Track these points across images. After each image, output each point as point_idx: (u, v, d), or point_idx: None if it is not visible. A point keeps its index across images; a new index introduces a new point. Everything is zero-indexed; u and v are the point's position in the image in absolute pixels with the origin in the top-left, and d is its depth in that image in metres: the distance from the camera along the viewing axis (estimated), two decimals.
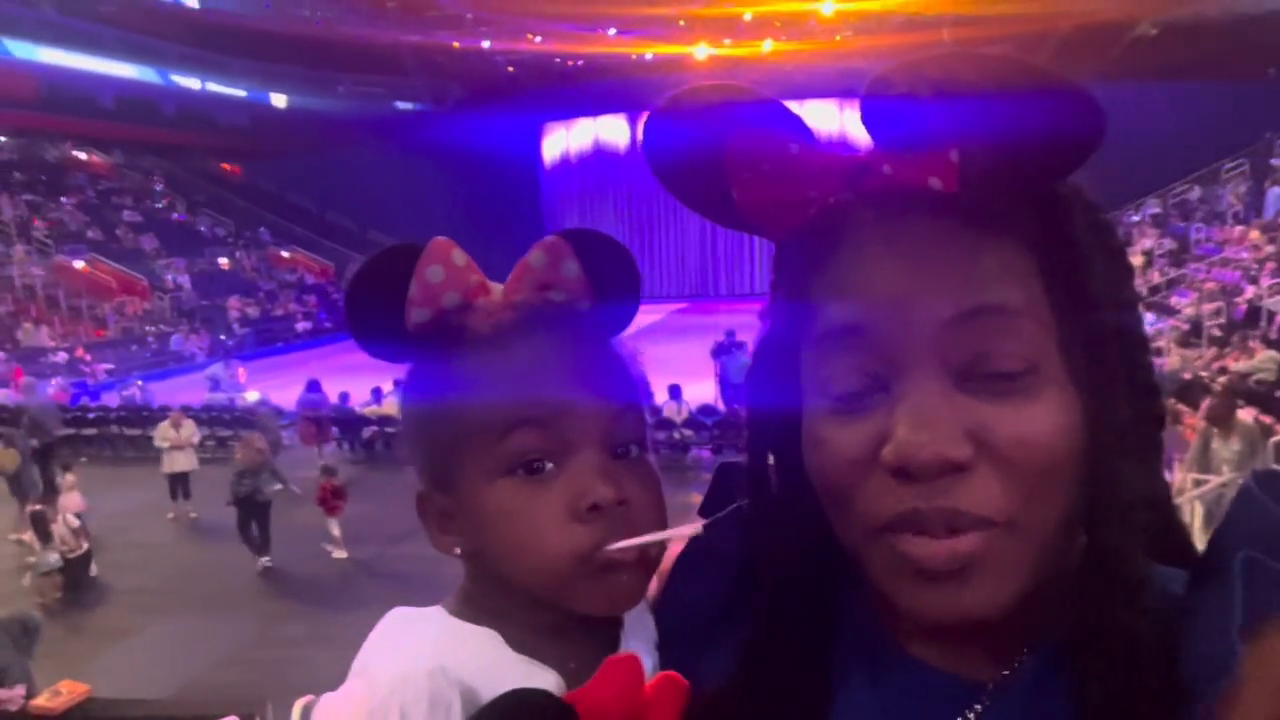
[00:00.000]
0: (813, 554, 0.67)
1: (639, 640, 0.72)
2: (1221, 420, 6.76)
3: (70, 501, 10.09)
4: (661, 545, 0.70)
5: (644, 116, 0.62)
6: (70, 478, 10.48)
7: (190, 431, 11.60)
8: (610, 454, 0.69)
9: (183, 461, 11.29)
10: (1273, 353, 11.08)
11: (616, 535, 0.66)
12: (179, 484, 11.30)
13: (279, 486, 10.08)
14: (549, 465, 0.67)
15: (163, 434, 11.41)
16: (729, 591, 0.73)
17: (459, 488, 0.69)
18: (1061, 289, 0.57)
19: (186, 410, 13.13)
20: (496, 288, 0.72)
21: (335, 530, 9.79)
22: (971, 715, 0.62)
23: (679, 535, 0.70)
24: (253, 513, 9.55)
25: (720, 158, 0.59)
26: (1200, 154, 23.39)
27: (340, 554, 9.73)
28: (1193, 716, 0.51)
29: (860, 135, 0.58)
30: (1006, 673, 0.62)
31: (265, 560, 9.49)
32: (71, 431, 14.76)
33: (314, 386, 13.84)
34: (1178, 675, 0.53)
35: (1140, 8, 26.83)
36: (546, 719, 0.62)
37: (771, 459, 0.69)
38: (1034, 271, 0.57)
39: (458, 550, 0.72)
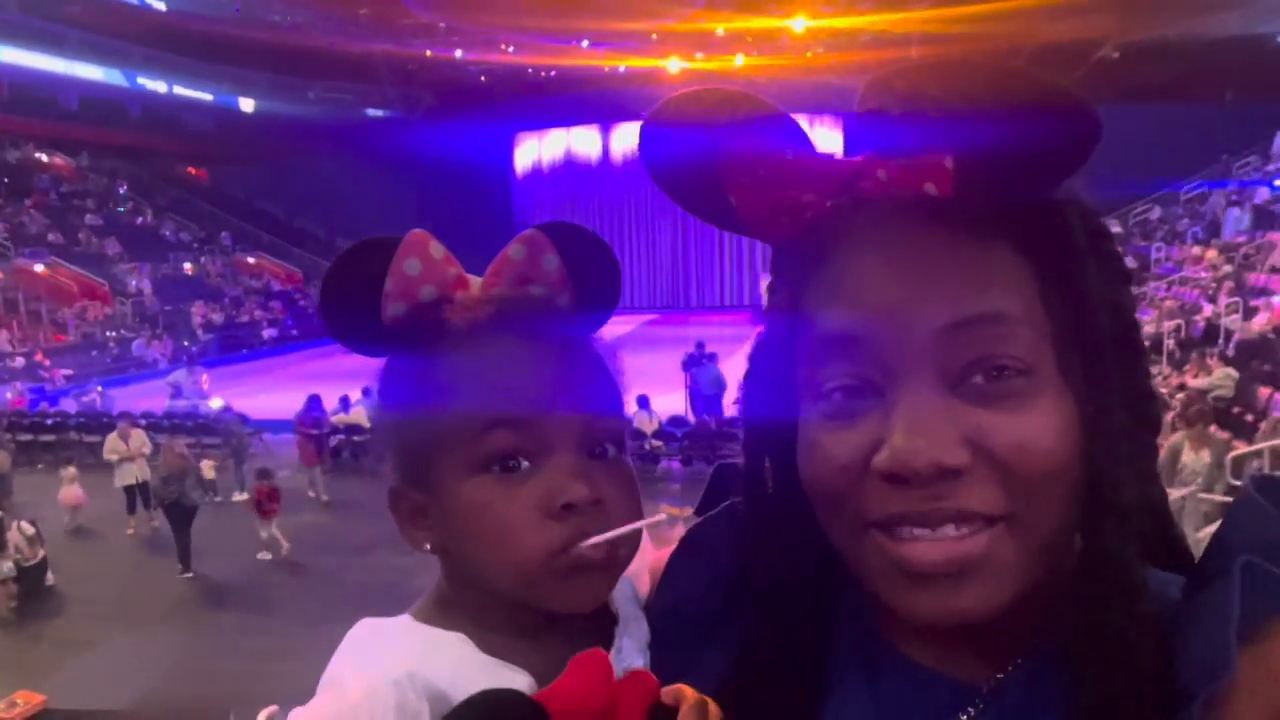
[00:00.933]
0: (808, 555, 0.67)
1: (632, 640, 0.72)
2: (1198, 428, 6.89)
3: (69, 495, 10.05)
4: (632, 545, 0.70)
5: (640, 122, 0.62)
6: (71, 470, 10.36)
7: (140, 442, 11.36)
8: (587, 454, 0.68)
9: (135, 473, 11.06)
10: (1230, 370, 11.31)
11: (589, 533, 0.66)
12: (134, 496, 11.07)
13: (213, 497, 10.06)
14: (524, 463, 0.66)
15: (111, 447, 11.15)
16: (723, 592, 0.73)
17: (433, 483, 0.68)
18: (1058, 295, 0.57)
19: (148, 417, 12.91)
20: (475, 280, 0.71)
21: (267, 533, 9.86)
22: (965, 718, 0.62)
23: (648, 525, 0.70)
24: (179, 519, 9.47)
25: (717, 162, 0.60)
26: (1161, 175, 23.90)
27: (266, 556, 9.81)
28: (1190, 718, 0.51)
29: (838, 147, 0.60)
30: (1002, 675, 0.63)
31: (188, 574, 9.45)
32: (28, 437, 14.47)
33: (315, 404, 13.10)
34: (1175, 677, 0.54)
35: (1104, 30, 27.41)
36: (515, 717, 0.61)
37: (768, 461, 0.69)
38: (1030, 277, 0.57)
39: (428, 545, 0.71)
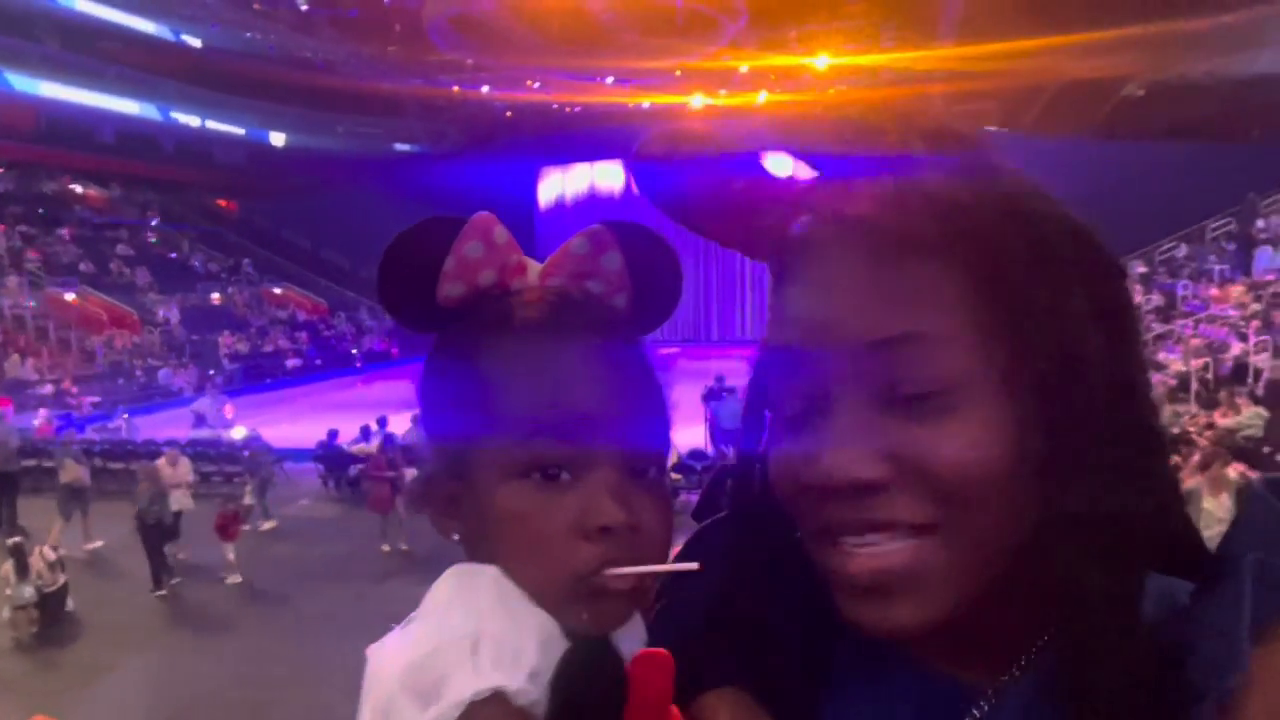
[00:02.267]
0: (795, 563, 0.67)
1: (630, 643, 0.69)
2: (1214, 470, 6.76)
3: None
4: (657, 577, 0.69)
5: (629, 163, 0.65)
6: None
7: (186, 470, 11.26)
8: (629, 473, 0.66)
9: (178, 500, 10.84)
10: (1259, 409, 11.14)
11: (620, 558, 0.64)
12: (178, 523, 10.85)
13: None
14: (565, 475, 0.64)
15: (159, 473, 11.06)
16: (720, 596, 0.72)
17: (470, 476, 0.66)
18: (993, 310, 0.58)
19: (171, 445, 13.00)
20: (534, 267, 0.70)
21: (231, 555, 9.98)
22: None
23: (677, 569, 0.67)
24: (156, 539, 9.66)
25: (687, 200, 0.65)
26: (1187, 213, 23.75)
27: (235, 579, 9.87)
28: (1201, 717, 0.51)
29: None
30: (1006, 677, 0.62)
31: (160, 591, 9.62)
32: (52, 464, 14.61)
33: (389, 439, 12.13)
34: (1184, 678, 0.53)
35: (1129, 68, 27.44)
36: (610, 680, 0.61)
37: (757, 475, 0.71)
38: (964, 293, 0.58)
39: (456, 536, 0.70)
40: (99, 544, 11.07)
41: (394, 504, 10.84)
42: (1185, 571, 0.61)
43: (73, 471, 11.46)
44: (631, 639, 0.70)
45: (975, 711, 0.62)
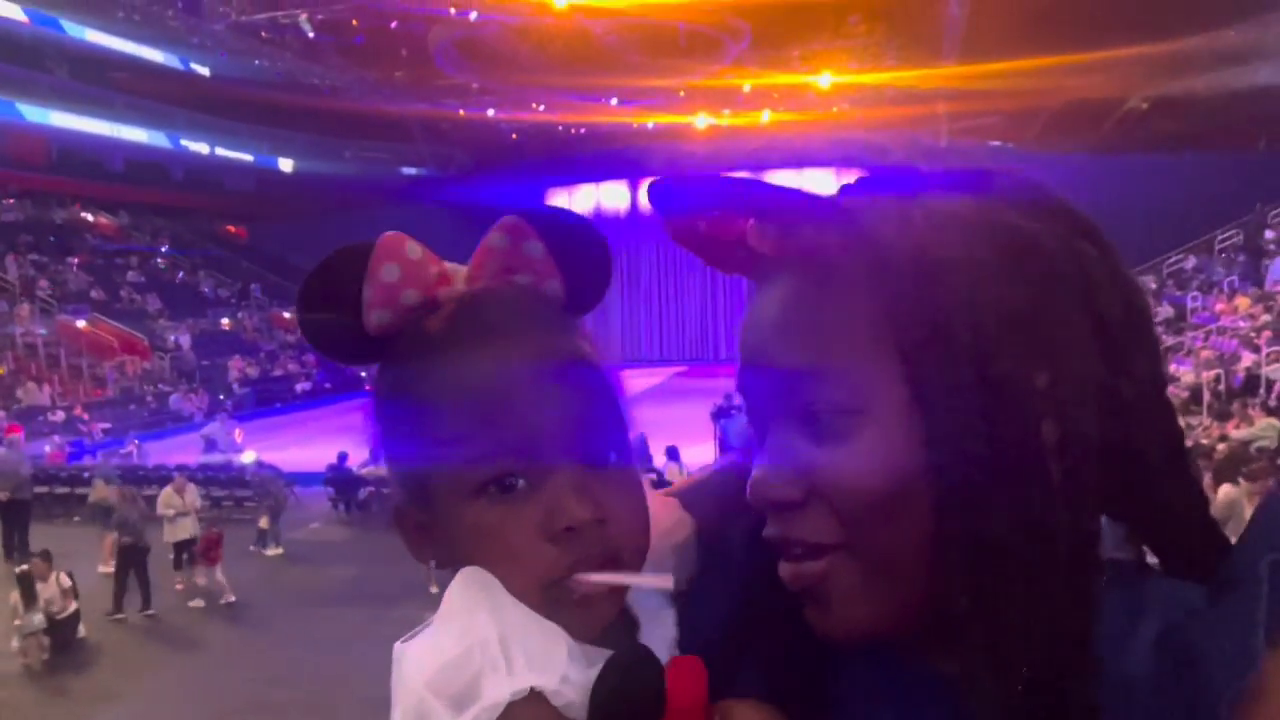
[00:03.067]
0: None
1: (657, 643, 0.68)
2: (1261, 483, 6.80)
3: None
4: (634, 569, 0.67)
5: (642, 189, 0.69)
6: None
7: (194, 497, 11.29)
8: (589, 464, 0.64)
9: (188, 528, 10.94)
10: (1273, 420, 11.06)
11: (593, 556, 0.63)
12: (183, 551, 10.91)
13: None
14: (521, 483, 0.63)
15: (166, 501, 11.01)
16: (745, 596, 0.72)
17: (432, 502, 0.65)
18: (896, 340, 0.59)
19: (182, 470, 13.05)
20: (460, 272, 0.68)
21: (218, 577, 10.11)
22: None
23: (649, 585, 0.66)
24: (133, 561, 9.70)
25: (680, 225, 0.70)
26: (1194, 225, 23.71)
27: (229, 598, 9.97)
28: (1216, 711, 0.51)
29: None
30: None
31: (119, 615, 9.66)
32: (65, 490, 14.68)
33: None
34: (1199, 678, 0.53)
35: (1131, 83, 27.48)
36: (652, 685, 0.60)
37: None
38: (873, 326, 0.60)
39: (433, 562, 0.69)
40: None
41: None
42: (1201, 575, 0.61)
43: (100, 491, 11.54)
44: (660, 637, 0.69)
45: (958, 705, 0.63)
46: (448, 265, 0.68)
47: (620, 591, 0.66)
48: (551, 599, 0.62)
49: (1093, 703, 0.56)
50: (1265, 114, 25.58)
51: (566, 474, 0.63)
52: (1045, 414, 0.58)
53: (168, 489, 11.26)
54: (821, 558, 0.62)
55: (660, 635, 0.69)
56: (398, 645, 0.62)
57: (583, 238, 0.70)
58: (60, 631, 8.75)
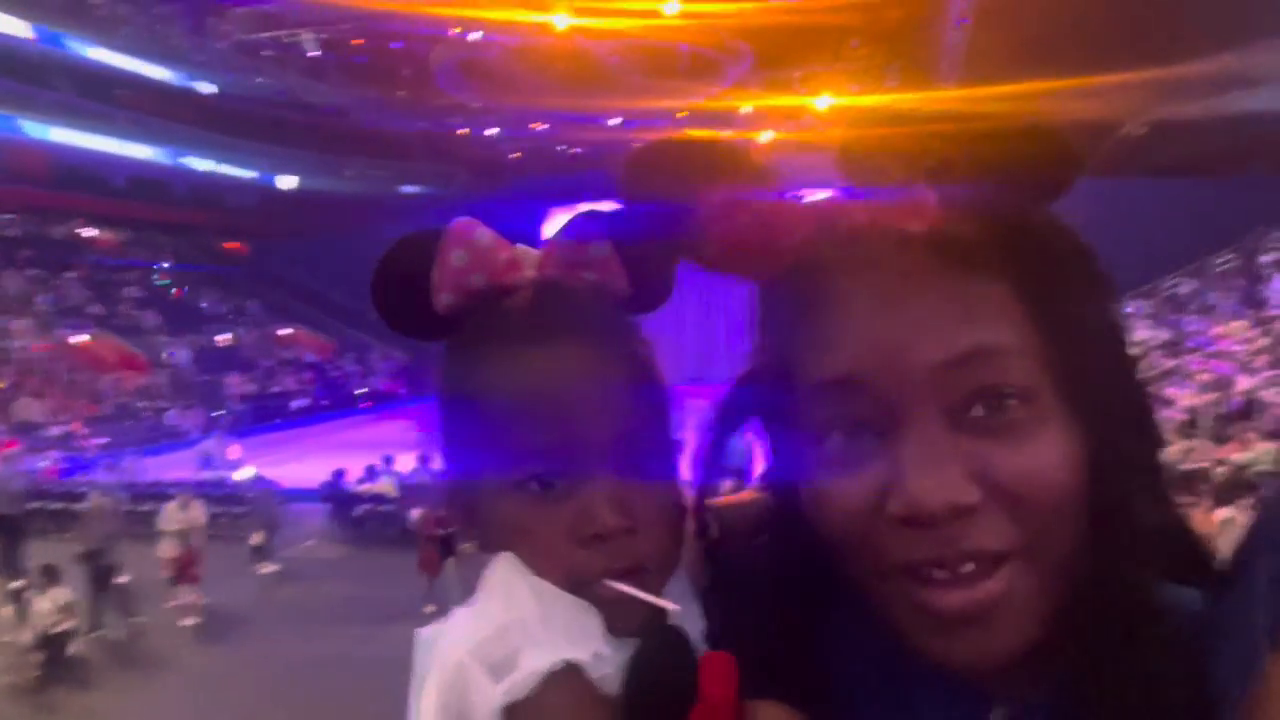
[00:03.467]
0: (815, 564, 0.65)
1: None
2: None
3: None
4: (660, 582, 0.68)
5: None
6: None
7: (198, 514, 11.07)
8: (628, 475, 0.65)
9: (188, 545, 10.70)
10: (1270, 445, 11.06)
11: (620, 563, 0.64)
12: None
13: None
14: (560, 483, 0.64)
15: (170, 516, 10.79)
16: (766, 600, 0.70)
17: (478, 487, 0.67)
18: (1048, 321, 0.57)
19: (177, 486, 12.97)
20: (530, 256, 0.69)
21: (191, 597, 9.97)
22: None
23: (663, 605, 0.66)
24: (101, 579, 9.63)
25: (693, 205, 0.60)
26: (1190, 249, 23.79)
27: (194, 620, 9.81)
28: (1221, 714, 0.51)
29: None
30: (1033, 690, 0.61)
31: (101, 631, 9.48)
32: (60, 506, 14.60)
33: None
34: (1202, 685, 0.53)
35: (1128, 108, 27.66)
36: (688, 665, 0.61)
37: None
38: (1020, 305, 0.57)
39: (474, 543, 0.70)
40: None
41: (441, 568, 9.74)
42: (1195, 579, 0.61)
43: (96, 503, 11.39)
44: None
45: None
46: (519, 249, 0.69)
47: (642, 600, 0.66)
48: (582, 597, 0.64)
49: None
50: (1261, 140, 25.74)
51: (603, 482, 0.64)
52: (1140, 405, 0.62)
53: (171, 504, 11.09)
54: (999, 568, 0.56)
55: (689, 630, 0.70)
56: (422, 631, 0.63)
57: (652, 241, 0.68)
58: (52, 648, 8.68)
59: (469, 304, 0.67)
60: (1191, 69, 24.79)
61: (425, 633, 0.64)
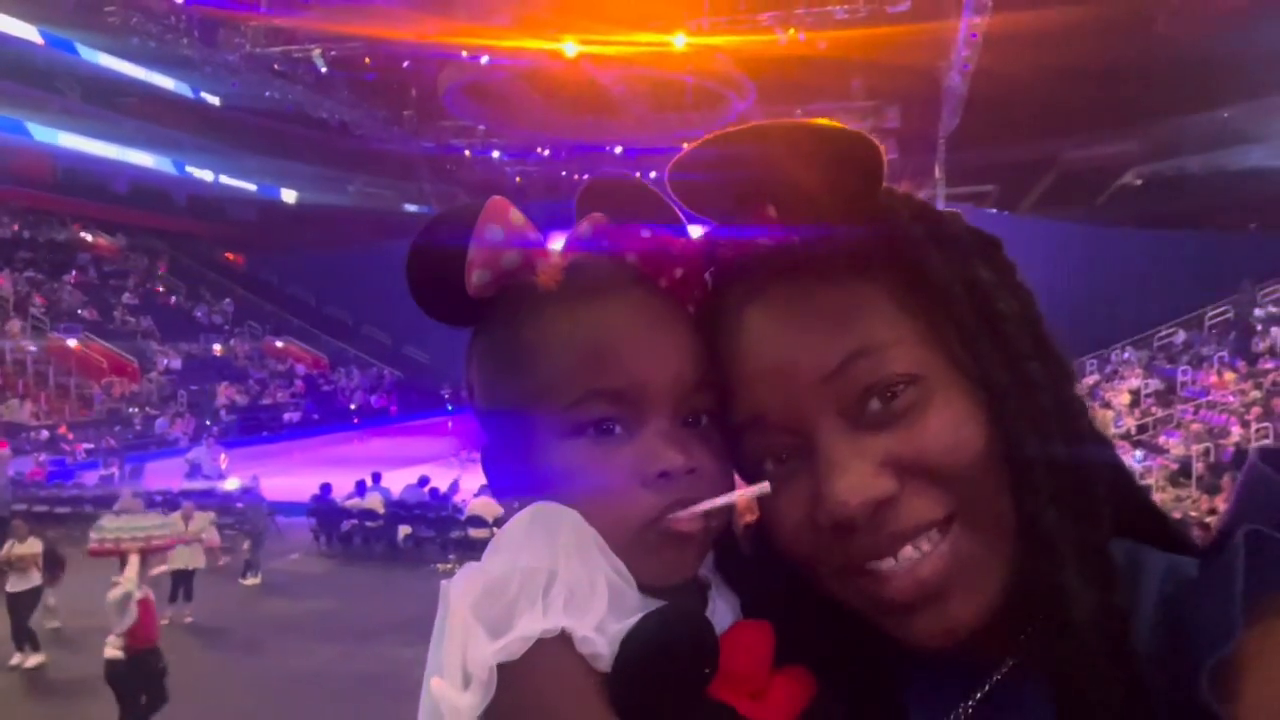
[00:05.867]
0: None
1: (726, 604, 0.70)
2: None
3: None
4: (723, 517, 0.68)
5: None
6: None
7: (202, 525, 10.82)
8: (681, 421, 0.67)
9: (188, 557, 10.42)
10: None
11: (682, 502, 0.64)
12: (181, 583, 10.39)
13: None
14: (618, 429, 0.66)
15: (171, 527, 10.56)
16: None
17: (527, 443, 0.67)
18: (916, 304, 0.61)
19: (164, 494, 12.88)
20: (554, 246, 0.71)
21: (50, 600, 9.67)
22: (974, 699, 0.63)
23: (746, 495, 0.66)
24: (27, 605, 9.27)
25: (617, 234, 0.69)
26: (1184, 300, 23.95)
27: (54, 623, 9.55)
28: (1198, 681, 0.51)
29: None
30: (1008, 656, 0.64)
31: (36, 658, 9.03)
32: (44, 509, 14.50)
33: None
34: (1185, 647, 0.54)
35: (1126, 159, 27.97)
36: (701, 645, 0.60)
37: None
38: (887, 299, 0.62)
39: (517, 504, 0.69)
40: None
41: None
42: (1185, 548, 0.63)
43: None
44: (728, 601, 0.70)
45: (985, 686, 0.63)
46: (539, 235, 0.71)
47: (707, 536, 0.67)
48: (642, 541, 0.64)
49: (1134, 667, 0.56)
50: (1256, 195, 26.02)
51: (661, 423, 0.66)
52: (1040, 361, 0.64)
53: (174, 515, 10.79)
54: (941, 537, 0.60)
55: (729, 602, 0.70)
56: (446, 583, 0.63)
57: (655, 211, 0.70)
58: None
59: (499, 284, 0.67)
60: (1189, 124, 25.11)
61: (446, 584, 0.63)
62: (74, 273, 30.75)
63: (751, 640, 0.63)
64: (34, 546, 9.53)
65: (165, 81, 30.47)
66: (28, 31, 26.55)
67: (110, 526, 7.70)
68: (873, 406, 0.60)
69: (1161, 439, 16.99)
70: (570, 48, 21.22)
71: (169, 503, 12.63)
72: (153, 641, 7.00)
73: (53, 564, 9.51)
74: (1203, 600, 0.55)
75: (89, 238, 33.91)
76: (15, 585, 9.29)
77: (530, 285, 0.67)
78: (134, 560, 7.25)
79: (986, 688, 0.63)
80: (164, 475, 17.34)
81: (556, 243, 0.71)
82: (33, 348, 25.10)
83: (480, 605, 0.58)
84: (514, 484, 0.69)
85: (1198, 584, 0.57)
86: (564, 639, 0.57)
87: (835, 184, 0.59)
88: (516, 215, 0.68)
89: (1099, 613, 0.57)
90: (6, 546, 9.58)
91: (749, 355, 0.64)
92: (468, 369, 0.73)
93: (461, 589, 0.60)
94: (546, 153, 32.98)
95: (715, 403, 0.68)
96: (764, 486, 0.64)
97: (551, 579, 0.59)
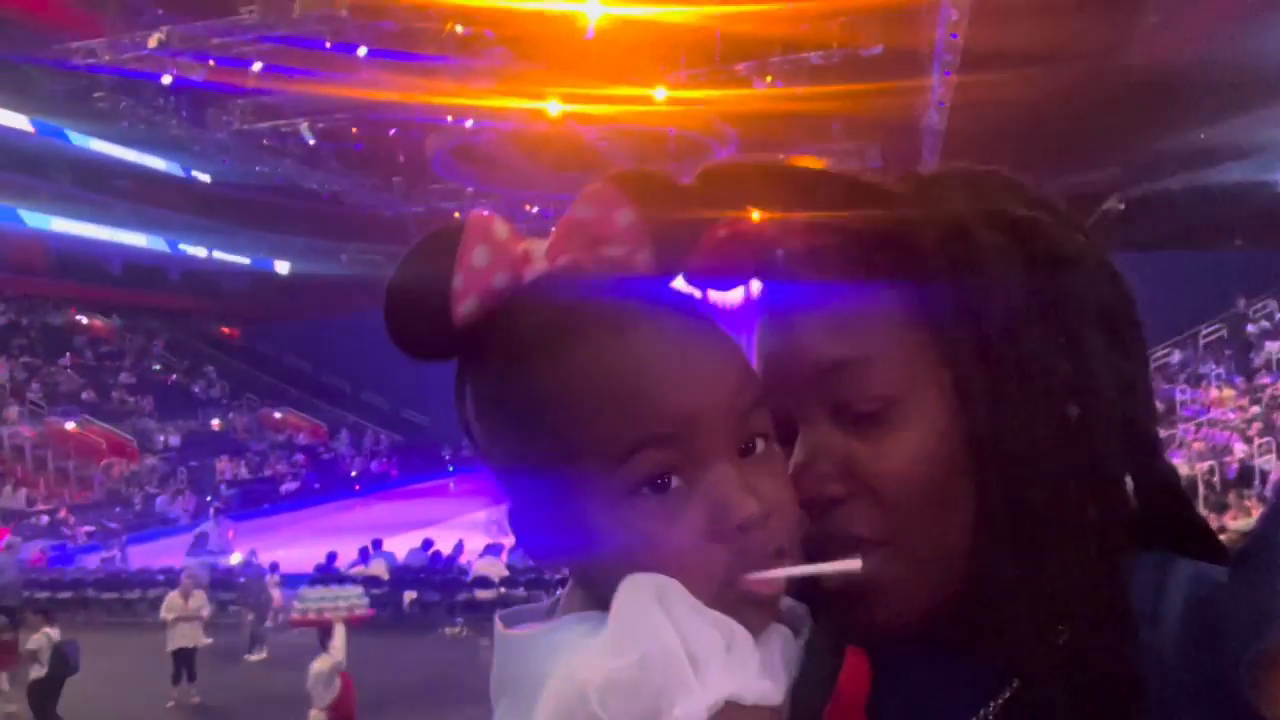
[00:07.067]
0: None
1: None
2: None
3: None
4: (794, 560, 0.59)
5: None
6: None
7: (201, 602, 10.70)
8: (740, 453, 0.57)
9: (191, 636, 10.32)
10: None
11: (760, 550, 0.56)
12: (184, 663, 10.23)
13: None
14: (675, 481, 0.55)
15: (170, 605, 10.47)
16: None
17: (566, 507, 0.57)
18: (923, 323, 0.62)
19: (167, 573, 12.76)
20: (539, 248, 0.59)
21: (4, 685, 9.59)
22: (992, 705, 0.63)
23: (837, 569, 0.59)
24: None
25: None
26: (1175, 320, 24.06)
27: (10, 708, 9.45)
28: (1232, 686, 0.51)
29: None
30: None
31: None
32: (46, 595, 14.32)
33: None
34: (1219, 649, 0.54)
35: (1107, 183, 28.30)
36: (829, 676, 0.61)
37: None
38: (900, 314, 0.62)
39: (564, 570, 0.61)
40: None
41: None
42: (1214, 557, 0.62)
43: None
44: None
45: (1005, 694, 0.62)
46: (529, 240, 0.61)
47: (784, 586, 0.60)
48: (720, 603, 0.55)
49: (1134, 672, 0.56)
50: (1240, 211, 26.30)
51: (723, 466, 0.56)
52: (1069, 394, 0.62)
53: (173, 593, 10.77)
54: (867, 554, 0.60)
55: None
56: (513, 630, 0.57)
57: (675, 201, 0.60)
58: None
59: (486, 308, 0.57)
60: (1167, 145, 25.47)
61: (520, 634, 0.56)
62: (70, 355, 30.80)
63: (860, 671, 0.63)
64: (53, 635, 9.35)
65: (156, 162, 30.88)
66: (19, 121, 26.96)
67: (313, 596, 7.59)
68: (854, 410, 0.62)
69: None
70: (553, 106, 21.56)
71: (172, 580, 12.49)
72: (353, 716, 6.80)
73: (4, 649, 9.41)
74: (1238, 598, 0.55)
75: (84, 320, 34.03)
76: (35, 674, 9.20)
77: (523, 312, 0.57)
78: (340, 630, 7.06)
79: (1001, 700, 0.63)
80: (167, 554, 17.17)
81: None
82: (29, 433, 25.03)
83: (610, 687, 0.49)
84: (553, 548, 0.60)
85: (1232, 584, 0.57)
86: (730, 707, 0.51)
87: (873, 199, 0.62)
88: (502, 228, 0.58)
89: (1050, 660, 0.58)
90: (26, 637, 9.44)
91: (767, 337, 0.66)
92: (462, 410, 0.62)
93: (581, 661, 0.51)
94: (535, 209, 33.32)
95: (766, 418, 0.60)
96: (854, 563, 0.58)
97: (694, 654, 0.51)
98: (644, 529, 0.55)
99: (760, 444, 0.59)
